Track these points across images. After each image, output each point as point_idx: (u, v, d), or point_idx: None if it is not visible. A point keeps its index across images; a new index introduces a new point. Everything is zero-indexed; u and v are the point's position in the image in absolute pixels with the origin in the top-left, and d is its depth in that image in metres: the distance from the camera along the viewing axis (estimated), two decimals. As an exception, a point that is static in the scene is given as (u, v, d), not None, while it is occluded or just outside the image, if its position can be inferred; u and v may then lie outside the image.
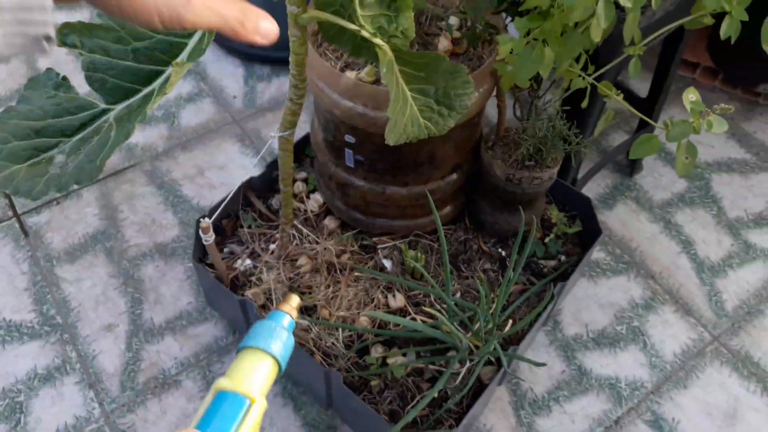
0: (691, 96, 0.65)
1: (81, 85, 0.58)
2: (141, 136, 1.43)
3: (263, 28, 0.40)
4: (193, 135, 1.45)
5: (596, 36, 0.61)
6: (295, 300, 0.50)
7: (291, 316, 0.48)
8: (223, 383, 0.40)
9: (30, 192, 0.55)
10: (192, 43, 0.60)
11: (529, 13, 0.73)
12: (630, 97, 1.27)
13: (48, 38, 0.38)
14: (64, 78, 0.58)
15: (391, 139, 0.72)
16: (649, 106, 1.28)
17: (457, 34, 0.96)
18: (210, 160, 1.40)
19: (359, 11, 0.60)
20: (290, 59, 0.72)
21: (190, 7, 0.37)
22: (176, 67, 0.53)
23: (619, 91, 0.78)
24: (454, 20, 0.95)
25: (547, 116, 0.91)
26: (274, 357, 0.42)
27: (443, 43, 0.94)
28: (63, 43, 0.58)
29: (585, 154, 1.13)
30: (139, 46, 0.59)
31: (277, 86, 1.57)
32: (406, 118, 0.74)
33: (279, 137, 0.82)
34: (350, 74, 0.93)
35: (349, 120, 0.92)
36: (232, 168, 1.39)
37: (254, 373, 0.41)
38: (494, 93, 0.94)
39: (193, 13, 0.37)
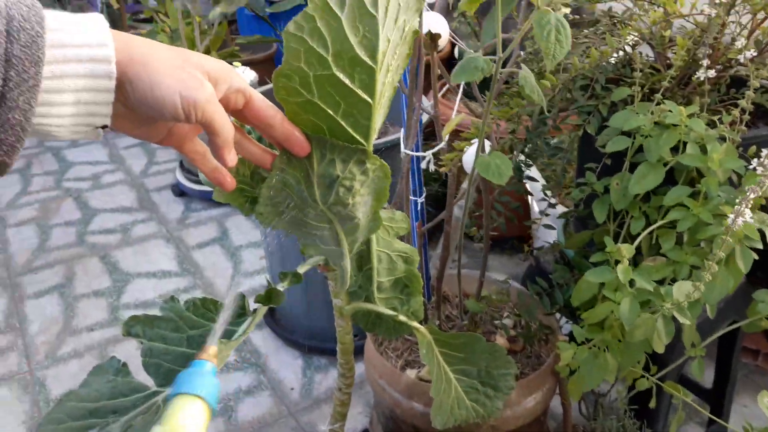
0: (766, 400, 0.64)
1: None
2: (197, 432, 1.43)
3: (231, 156, 0.48)
4: (250, 429, 1.43)
5: (659, 348, 0.64)
6: (212, 349, 0.50)
7: (212, 362, 0.49)
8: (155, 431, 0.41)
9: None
10: (241, 329, 0.65)
11: (582, 313, 0.76)
12: (696, 388, 1.23)
13: (104, 126, 0.44)
14: (124, 364, 0.64)
15: (437, 422, 0.72)
16: (717, 396, 1.23)
17: (512, 333, 0.99)
18: (264, 456, 1.36)
19: (376, 294, 0.69)
20: (337, 348, 0.76)
21: (210, 98, 0.44)
22: (220, 344, 0.56)
23: (686, 390, 0.77)
24: (508, 321, 1.00)
25: (615, 415, 0.88)
26: (202, 398, 0.43)
27: (500, 341, 0.97)
28: (128, 333, 0.65)
29: (660, 453, 1.06)
30: (194, 333, 0.65)
31: (335, 376, 1.59)
32: (451, 399, 0.74)
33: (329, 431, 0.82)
34: (410, 372, 0.95)
35: (411, 419, 0.91)
36: (285, 465, 1.34)
37: (185, 417, 0.42)
38: (557, 391, 0.93)
39: (207, 102, 0.44)
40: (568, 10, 0.60)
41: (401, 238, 0.72)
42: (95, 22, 0.41)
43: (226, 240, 2.01)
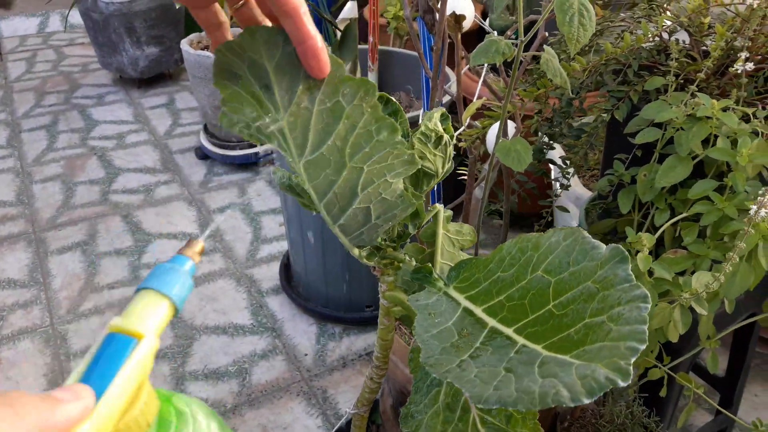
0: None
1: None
2: (212, 391, 1.46)
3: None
4: (262, 392, 1.47)
5: (674, 338, 0.63)
6: (198, 245, 0.49)
7: (193, 260, 0.47)
8: (114, 323, 0.41)
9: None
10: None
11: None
12: (708, 376, 1.23)
13: None
14: None
15: None
16: (729, 385, 1.22)
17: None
18: (275, 419, 1.40)
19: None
20: (376, 343, 0.76)
21: None
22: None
23: (698, 378, 0.77)
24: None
25: (625, 402, 0.89)
26: (169, 298, 0.43)
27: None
28: None
29: (668, 440, 1.07)
30: None
31: (347, 345, 1.62)
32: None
33: (353, 414, 0.83)
34: (423, 349, 0.96)
35: (421, 394, 0.93)
36: (296, 429, 1.37)
37: (147, 313, 0.42)
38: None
39: None
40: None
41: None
42: None
43: (247, 205, 2.03)
